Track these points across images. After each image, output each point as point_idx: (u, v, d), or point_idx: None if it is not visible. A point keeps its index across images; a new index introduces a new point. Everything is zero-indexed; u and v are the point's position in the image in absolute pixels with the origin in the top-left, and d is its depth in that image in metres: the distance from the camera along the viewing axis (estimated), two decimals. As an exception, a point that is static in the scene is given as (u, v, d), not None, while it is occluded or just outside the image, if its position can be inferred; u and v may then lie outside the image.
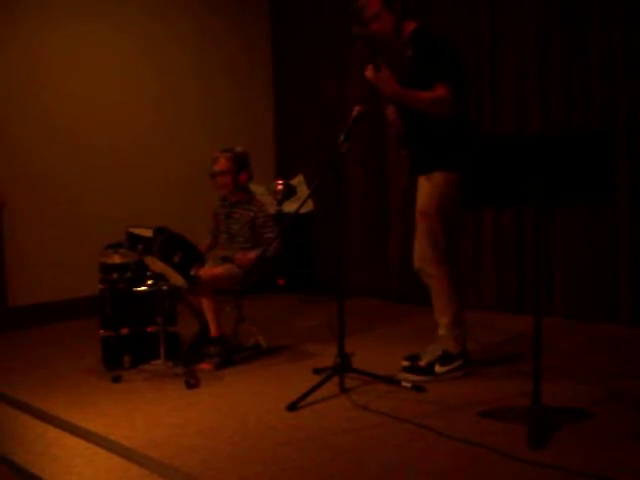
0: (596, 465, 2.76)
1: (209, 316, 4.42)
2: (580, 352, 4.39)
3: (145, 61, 6.30)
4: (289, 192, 6.31)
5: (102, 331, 4.44)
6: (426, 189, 3.90)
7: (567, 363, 4.07)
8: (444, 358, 3.94)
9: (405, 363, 4.02)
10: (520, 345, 4.38)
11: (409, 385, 3.75)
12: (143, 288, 4.24)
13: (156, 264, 4.16)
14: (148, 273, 4.27)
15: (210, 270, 4.44)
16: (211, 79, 6.70)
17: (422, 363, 3.96)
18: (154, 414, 3.60)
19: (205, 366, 4.31)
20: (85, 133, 5.93)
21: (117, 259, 4.47)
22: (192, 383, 3.99)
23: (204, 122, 6.61)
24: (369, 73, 3.75)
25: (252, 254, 4.51)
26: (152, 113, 6.32)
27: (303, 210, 5.17)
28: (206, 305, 4.41)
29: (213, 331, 4.43)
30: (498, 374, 3.98)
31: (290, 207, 6.17)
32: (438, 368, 3.93)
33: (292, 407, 3.55)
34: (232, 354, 4.45)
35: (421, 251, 3.93)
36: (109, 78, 6.06)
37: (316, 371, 4.04)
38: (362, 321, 5.30)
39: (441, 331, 3.97)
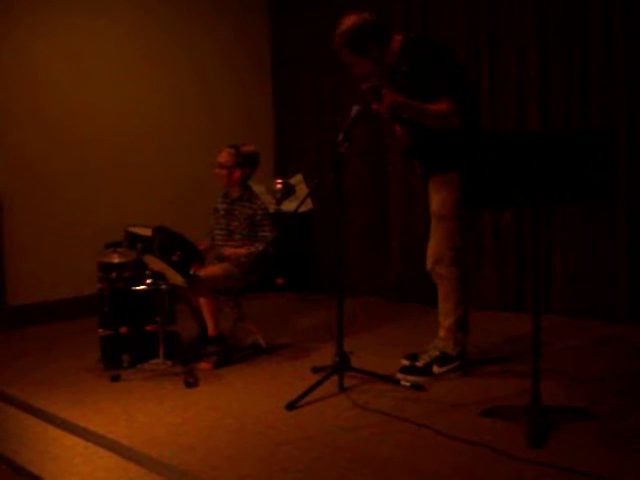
0: (596, 465, 2.77)
1: (208, 315, 4.41)
2: (579, 351, 4.38)
3: (144, 61, 6.28)
4: (288, 191, 6.29)
5: (101, 330, 4.43)
6: (440, 192, 3.90)
7: (566, 362, 4.07)
8: (442, 359, 3.94)
9: (405, 362, 4.02)
10: (519, 344, 4.37)
11: (408, 384, 3.75)
12: (142, 287, 4.23)
13: (155, 263, 4.16)
14: (147, 272, 4.26)
15: (209, 269, 4.44)
16: (211, 78, 6.68)
17: (419, 364, 3.96)
18: (153, 413, 3.60)
19: (204, 365, 4.31)
20: (84, 133, 5.91)
21: (116, 258, 4.46)
22: (191, 382, 3.99)
23: (204, 121, 6.60)
24: (377, 107, 3.73)
25: (241, 250, 4.52)
26: (151, 113, 6.31)
27: (303, 209, 5.16)
28: (205, 304, 4.40)
29: (211, 330, 4.42)
30: (498, 373, 3.98)
31: (289, 206, 6.15)
32: (436, 369, 3.93)
33: (291, 406, 3.55)
34: (231, 353, 4.45)
35: (436, 252, 3.93)
36: (108, 78, 6.03)
37: (315, 370, 4.04)
38: (361, 320, 5.30)
39: (442, 332, 3.97)
